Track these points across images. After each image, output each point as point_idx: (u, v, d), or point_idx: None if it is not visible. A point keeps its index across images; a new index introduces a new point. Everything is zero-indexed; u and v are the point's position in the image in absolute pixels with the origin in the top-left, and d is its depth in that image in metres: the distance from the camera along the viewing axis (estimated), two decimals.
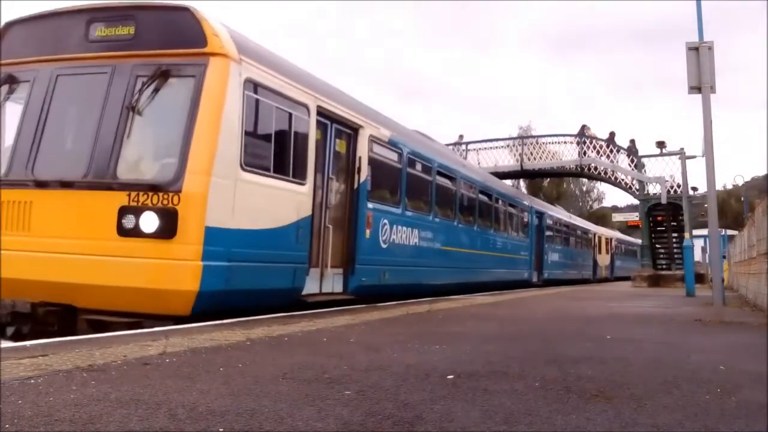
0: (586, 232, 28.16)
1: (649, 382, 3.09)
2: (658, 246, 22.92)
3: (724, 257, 20.90)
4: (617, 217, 54.26)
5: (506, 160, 23.59)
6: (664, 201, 20.35)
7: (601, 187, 60.03)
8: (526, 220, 18.12)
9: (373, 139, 8.66)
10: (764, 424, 2.32)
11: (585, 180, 50.68)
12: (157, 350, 3.73)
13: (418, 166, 10.49)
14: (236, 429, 2.10)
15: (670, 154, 21.19)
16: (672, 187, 20.57)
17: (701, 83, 7.25)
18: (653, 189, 21.12)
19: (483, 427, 2.20)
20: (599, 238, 30.34)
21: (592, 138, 22.72)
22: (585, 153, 22.23)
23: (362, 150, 8.31)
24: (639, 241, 40.12)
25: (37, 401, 2.41)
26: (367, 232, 8.34)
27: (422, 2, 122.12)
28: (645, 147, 28.90)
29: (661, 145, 21.86)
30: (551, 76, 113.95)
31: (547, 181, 49.94)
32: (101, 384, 2.75)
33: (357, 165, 8.19)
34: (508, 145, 24.11)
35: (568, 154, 22.82)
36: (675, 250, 21.60)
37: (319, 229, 7.39)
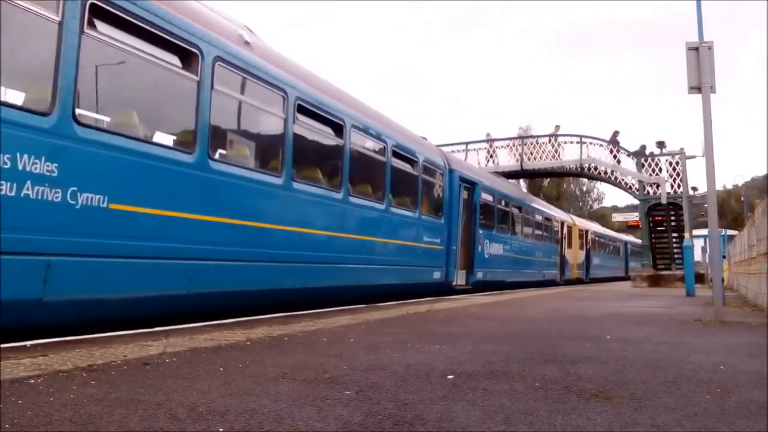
0: (549, 219, 21.18)
1: (649, 382, 3.08)
2: (658, 246, 22.94)
3: (724, 257, 20.91)
4: (617, 217, 54.40)
5: (506, 160, 23.72)
6: (664, 201, 20.40)
7: (601, 187, 60.31)
8: (439, 188, 12.11)
9: None
10: (764, 424, 2.32)
11: (585, 180, 50.91)
12: (157, 350, 3.73)
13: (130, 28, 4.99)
14: (236, 429, 2.10)
15: (670, 153, 21.27)
16: (672, 187, 20.62)
17: (701, 83, 7.28)
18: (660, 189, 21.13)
19: (483, 427, 2.20)
20: (569, 228, 23.95)
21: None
22: (618, 160, 22.16)
23: None
24: (625, 237, 39.05)
25: (37, 401, 2.41)
26: None
27: (421, 2, 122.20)
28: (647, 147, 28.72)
29: (661, 145, 21.93)
30: (551, 75, 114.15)
31: (547, 181, 50.03)
32: (101, 384, 2.75)
33: None
34: (508, 145, 24.22)
35: (568, 154, 22.90)
36: (675, 250, 21.61)
37: None
